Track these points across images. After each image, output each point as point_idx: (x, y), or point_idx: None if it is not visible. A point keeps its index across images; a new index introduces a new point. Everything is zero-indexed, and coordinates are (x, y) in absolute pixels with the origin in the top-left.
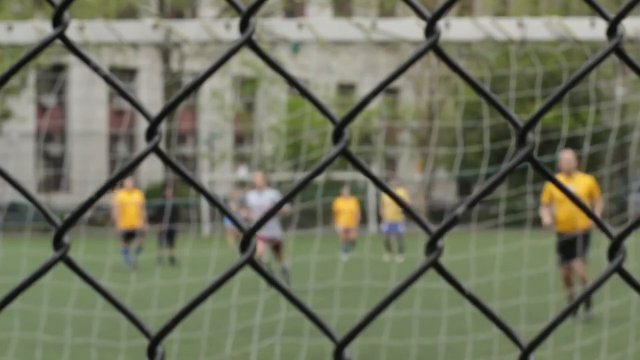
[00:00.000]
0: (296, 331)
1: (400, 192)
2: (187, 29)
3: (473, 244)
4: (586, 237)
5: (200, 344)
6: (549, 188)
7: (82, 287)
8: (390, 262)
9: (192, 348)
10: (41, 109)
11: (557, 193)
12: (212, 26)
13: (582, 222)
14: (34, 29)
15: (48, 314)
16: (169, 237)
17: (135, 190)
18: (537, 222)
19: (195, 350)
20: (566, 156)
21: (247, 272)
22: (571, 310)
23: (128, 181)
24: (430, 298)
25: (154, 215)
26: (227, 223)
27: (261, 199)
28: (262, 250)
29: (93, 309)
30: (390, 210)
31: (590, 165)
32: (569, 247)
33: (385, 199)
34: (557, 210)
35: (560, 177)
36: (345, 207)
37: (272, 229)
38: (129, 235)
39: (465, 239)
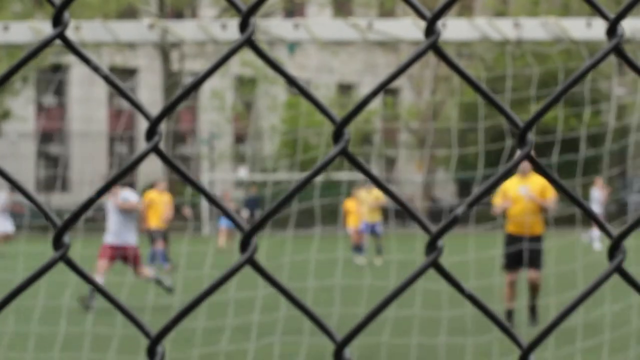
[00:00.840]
0: (296, 330)
1: (377, 194)
2: (183, 29)
3: (472, 245)
4: (537, 245)
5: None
6: (503, 189)
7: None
8: (367, 264)
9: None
10: (41, 109)
11: (511, 193)
12: (209, 26)
13: (535, 228)
14: (30, 29)
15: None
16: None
17: (165, 192)
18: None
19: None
20: None
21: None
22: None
23: (160, 182)
24: (430, 297)
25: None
26: (222, 224)
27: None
28: (103, 266)
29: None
30: (367, 209)
31: (589, 166)
32: (519, 254)
33: (361, 197)
34: (510, 210)
35: (515, 178)
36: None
37: (125, 234)
38: (157, 234)
39: (464, 239)
